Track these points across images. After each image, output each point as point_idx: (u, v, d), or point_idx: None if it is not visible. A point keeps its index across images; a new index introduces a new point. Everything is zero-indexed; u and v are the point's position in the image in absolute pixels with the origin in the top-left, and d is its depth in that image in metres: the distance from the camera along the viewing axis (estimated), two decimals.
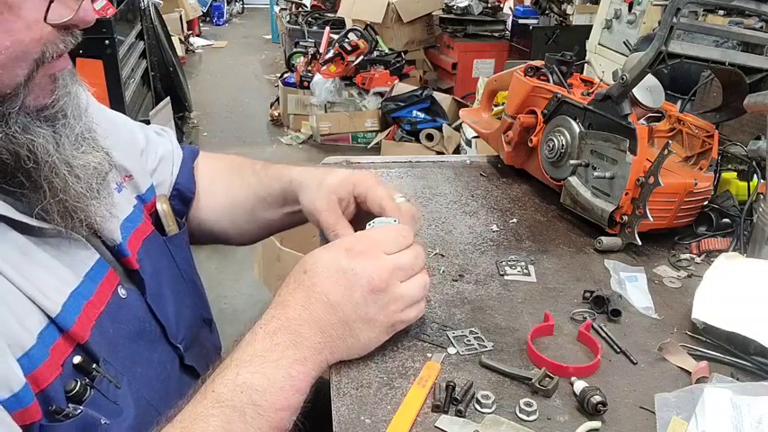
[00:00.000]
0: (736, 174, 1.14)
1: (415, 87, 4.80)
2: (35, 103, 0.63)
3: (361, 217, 0.89)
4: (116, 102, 3.16)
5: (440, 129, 4.50)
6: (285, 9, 7.10)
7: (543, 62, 1.20)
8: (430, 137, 4.49)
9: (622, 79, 0.98)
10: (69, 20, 0.61)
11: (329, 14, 6.31)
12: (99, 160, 0.71)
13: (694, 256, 1.02)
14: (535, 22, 4.92)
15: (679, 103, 1.18)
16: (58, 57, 0.63)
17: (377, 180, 0.89)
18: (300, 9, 6.72)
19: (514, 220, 1.13)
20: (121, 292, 0.75)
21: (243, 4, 11.29)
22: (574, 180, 1.08)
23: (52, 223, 0.66)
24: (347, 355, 0.72)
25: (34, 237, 0.66)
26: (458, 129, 4.26)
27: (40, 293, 0.63)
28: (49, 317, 0.63)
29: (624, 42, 1.43)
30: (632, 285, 0.92)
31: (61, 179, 0.65)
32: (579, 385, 0.70)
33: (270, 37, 8.82)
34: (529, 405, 0.67)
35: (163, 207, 0.93)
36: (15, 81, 0.60)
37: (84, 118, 0.69)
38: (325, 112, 4.88)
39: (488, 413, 0.67)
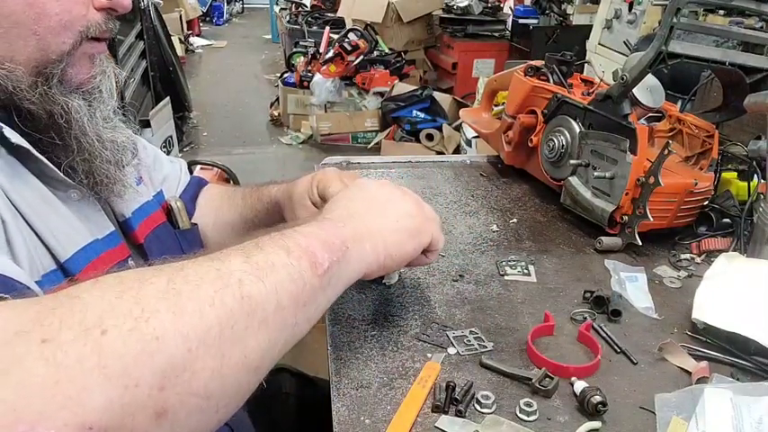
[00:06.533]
0: (736, 174, 1.14)
1: (415, 87, 4.79)
2: (76, 78, 0.69)
3: None
4: None
5: (440, 129, 4.50)
6: (285, 9, 7.09)
7: (543, 62, 1.20)
8: (430, 137, 4.48)
9: (622, 79, 0.98)
10: (110, 0, 0.69)
11: (329, 14, 6.30)
12: (125, 138, 0.76)
13: (694, 256, 1.02)
14: (535, 21, 4.91)
15: (679, 102, 1.18)
16: (99, 35, 0.69)
17: (336, 176, 0.89)
18: (300, 9, 6.71)
19: (514, 220, 1.13)
20: (131, 263, 0.77)
21: (243, 3, 11.29)
22: (574, 180, 1.08)
23: (76, 180, 0.70)
24: (369, 234, 0.67)
25: (60, 193, 0.69)
26: (458, 129, 4.26)
27: (53, 238, 0.65)
28: (57, 262, 0.66)
29: (624, 42, 1.42)
30: (632, 285, 0.92)
31: (89, 142, 0.70)
32: (579, 385, 0.69)
33: (270, 37, 8.82)
34: (529, 405, 0.67)
35: (177, 204, 0.95)
36: (61, 48, 0.66)
37: (116, 99, 0.75)
38: (325, 111, 4.88)
39: (488, 413, 0.67)
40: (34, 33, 0.64)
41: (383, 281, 0.90)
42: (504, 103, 1.30)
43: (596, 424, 0.66)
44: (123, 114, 0.79)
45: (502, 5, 5.66)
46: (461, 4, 5.32)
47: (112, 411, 0.40)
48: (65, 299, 0.44)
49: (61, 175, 0.68)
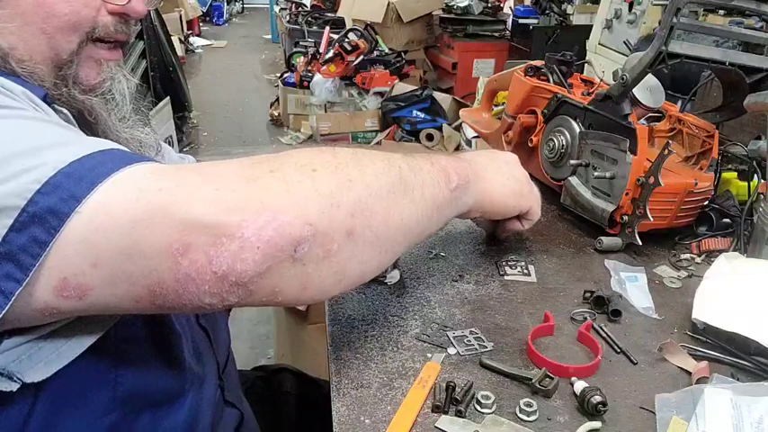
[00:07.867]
0: (736, 174, 1.14)
1: (415, 87, 4.79)
2: (86, 81, 0.71)
3: None
4: None
5: (440, 129, 4.50)
6: (285, 9, 7.08)
7: (543, 62, 1.20)
8: (430, 137, 4.48)
9: (622, 79, 0.98)
10: (122, 6, 0.71)
11: (329, 14, 6.29)
12: (144, 136, 0.79)
13: (694, 256, 1.02)
14: (535, 21, 4.91)
15: (679, 102, 1.18)
16: (105, 36, 0.71)
17: None
18: (300, 9, 6.71)
19: None
20: None
21: (243, 3, 11.29)
22: (574, 180, 1.08)
23: None
24: (485, 179, 0.83)
25: None
26: (458, 129, 4.26)
27: None
28: None
29: (624, 42, 1.42)
30: (632, 285, 0.92)
31: (115, 138, 0.73)
32: (579, 385, 0.70)
33: (270, 37, 8.82)
34: (529, 405, 0.67)
35: None
36: (69, 48, 0.68)
37: (130, 103, 0.77)
38: (325, 111, 4.87)
39: (488, 413, 0.67)
40: (43, 32, 0.65)
41: (385, 281, 0.90)
42: (504, 103, 1.30)
43: (596, 424, 0.66)
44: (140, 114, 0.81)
45: (502, 5, 5.65)
46: (461, 4, 5.32)
47: (323, 218, 0.56)
48: (273, 155, 0.59)
49: None
